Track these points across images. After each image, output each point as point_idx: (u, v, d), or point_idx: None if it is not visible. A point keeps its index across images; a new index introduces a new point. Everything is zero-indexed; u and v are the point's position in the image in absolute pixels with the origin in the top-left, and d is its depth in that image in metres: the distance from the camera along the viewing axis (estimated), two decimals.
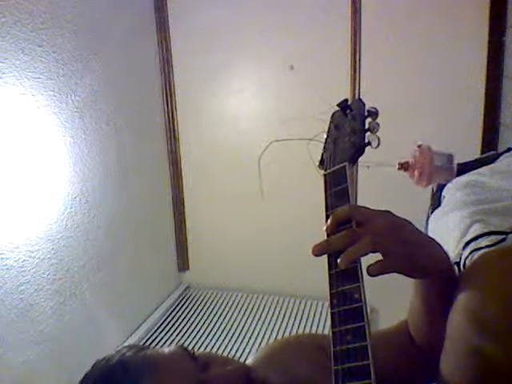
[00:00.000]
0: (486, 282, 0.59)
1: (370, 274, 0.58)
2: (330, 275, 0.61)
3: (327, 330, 2.12)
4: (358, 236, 0.59)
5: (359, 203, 0.66)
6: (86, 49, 1.91)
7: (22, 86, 1.60)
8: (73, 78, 1.84)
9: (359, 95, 2.16)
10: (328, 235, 0.63)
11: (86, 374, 0.69)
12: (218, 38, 2.35)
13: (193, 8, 2.36)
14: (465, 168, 1.50)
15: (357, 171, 2.14)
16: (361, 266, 0.59)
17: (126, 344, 2.12)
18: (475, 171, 1.48)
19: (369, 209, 0.63)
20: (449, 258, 0.66)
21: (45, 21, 1.69)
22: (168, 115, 2.48)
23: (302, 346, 0.80)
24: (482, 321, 0.56)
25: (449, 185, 1.46)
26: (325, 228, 0.63)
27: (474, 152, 1.97)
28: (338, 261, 0.59)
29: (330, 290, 0.60)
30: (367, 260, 0.60)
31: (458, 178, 1.45)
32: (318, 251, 0.61)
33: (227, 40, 2.35)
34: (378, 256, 0.59)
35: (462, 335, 0.58)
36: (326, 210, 0.68)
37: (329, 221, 0.63)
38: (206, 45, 2.37)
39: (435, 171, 1.37)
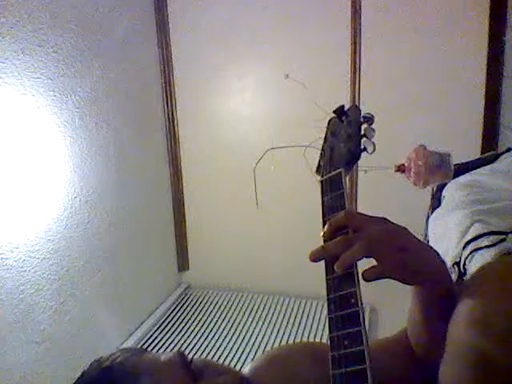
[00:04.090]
0: (493, 290, 0.58)
1: (364, 279, 0.59)
2: (327, 281, 0.62)
3: (327, 330, 2.12)
4: (352, 242, 0.59)
5: (359, 206, 0.66)
6: (86, 49, 1.91)
7: (22, 86, 1.60)
8: (73, 78, 1.84)
9: (359, 97, 2.16)
10: (325, 241, 0.63)
11: (82, 373, 0.71)
12: (218, 38, 2.35)
13: (193, 8, 2.35)
14: (465, 168, 1.50)
15: (356, 175, 2.14)
16: (357, 271, 0.60)
17: (125, 344, 2.12)
18: (475, 171, 1.48)
19: (364, 215, 0.63)
20: (445, 265, 0.66)
21: (45, 21, 1.69)
22: (168, 115, 2.48)
23: (297, 355, 0.80)
24: (488, 329, 0.55)
25: (449, 185, 1.46)
26: (321, 234, 0.64)
27: (474, 152, 1.97)
28: (335, 266, 0.60)
29: (328, 295, 0.61)
30: (366, 265, 0.60)
31: (457, 178, 1.45)
32: (314, 257, 0.62)
33: (227, 40, 2.34)
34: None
35: (468, 343, 0.57)
36: (323, 216, 0.69)
37: (325, 227, 0.64)
38: (205, 45, 2.37)
39: (431, 171, 1.37)
